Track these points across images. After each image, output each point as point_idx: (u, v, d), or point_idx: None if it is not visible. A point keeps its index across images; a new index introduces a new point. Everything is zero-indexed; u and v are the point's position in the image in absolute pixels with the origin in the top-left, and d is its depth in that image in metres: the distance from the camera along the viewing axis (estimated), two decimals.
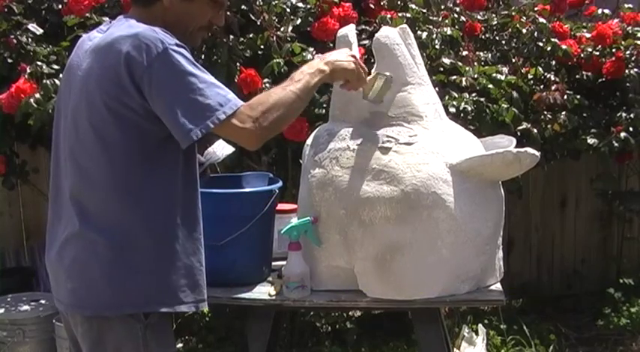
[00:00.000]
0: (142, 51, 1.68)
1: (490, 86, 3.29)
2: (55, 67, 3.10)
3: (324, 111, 2.94)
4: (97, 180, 1.76)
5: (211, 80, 1.73)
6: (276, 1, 3.19)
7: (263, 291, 2.32)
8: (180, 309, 1.86)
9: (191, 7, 1.83)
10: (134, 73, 1.68)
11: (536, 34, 3.59)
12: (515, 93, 3.32)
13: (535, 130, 3.36)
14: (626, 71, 3.64)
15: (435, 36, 3.30)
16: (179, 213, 1.81)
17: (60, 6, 3.29)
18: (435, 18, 3.43)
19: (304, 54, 3.05)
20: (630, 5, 3.98)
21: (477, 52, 3.49)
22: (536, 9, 3.68)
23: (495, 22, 3.71)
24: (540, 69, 3.55)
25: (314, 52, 3.06)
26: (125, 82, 1.68)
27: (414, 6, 3.46)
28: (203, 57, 3.12)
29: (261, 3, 3.17)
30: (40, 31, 3.20)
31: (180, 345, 3.70)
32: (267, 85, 3.01)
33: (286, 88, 1.80)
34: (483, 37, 3.69)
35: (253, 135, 1.73)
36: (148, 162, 1.75)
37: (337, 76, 1.98)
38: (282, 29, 3.11)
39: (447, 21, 3.43)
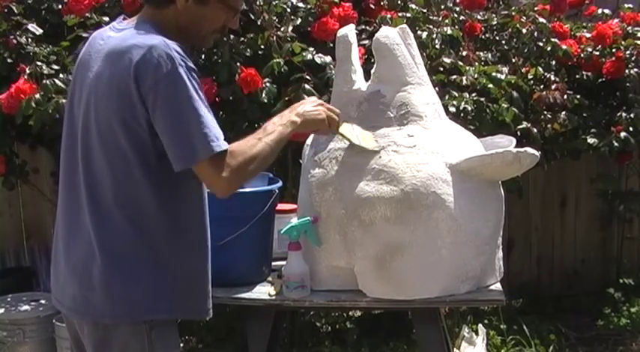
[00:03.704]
0: (152, 66, 1.66)
1: (490, 86, 3.29)
2: (55, 67, 3.10)
3: None
4: (99, 184, 1.76)
5: (209, 110, 1.72)
6: (277, 1, 3.19)
7: (263, 291, 2.32)
8: (181, 317, 1.86)
9: (205, 11, 1.81)
10: (141, 86, 1.67)
11: (536, 34, 3.59)
12: (515, 93, 3.32)
13: (535, 130, 3.36)
14: (626, 71, 3.64)
15: (435, 36, 3.30)
16: (182, 223, 1.80)
17: (60, 6, 3.28)
18: (435, 18, 3.43)
19: (304, 54, 3.05)
20: (630, 5, 3.99)
21: (477, 52, 3.49)
22: (536, 9, 3.69)
23: (495, 22, 3.71)
24: (540, 69, 3.55)
25: (314, 52, 3.06)
26: (133, 94, 1.68)
27: (414, 6, 3.46)
28: (204, 56, 3.12)
29: (262, 3, 3.17)
30: (39, 31, 3.20)
31: (180, 345, 3.70)
32: (268, 84, 3.02)
33: (262, 140, 1.79)
34: (483, 37, 3.69)
35: (227, 185, 1.73)
36: (149, 173, 1.74)
37: (308, 127, 1.98)
38: (282, 29, 3.11)
39: (447, 21, 3.43)
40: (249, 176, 1.82)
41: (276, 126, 1.84)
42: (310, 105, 1.95)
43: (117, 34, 1.79)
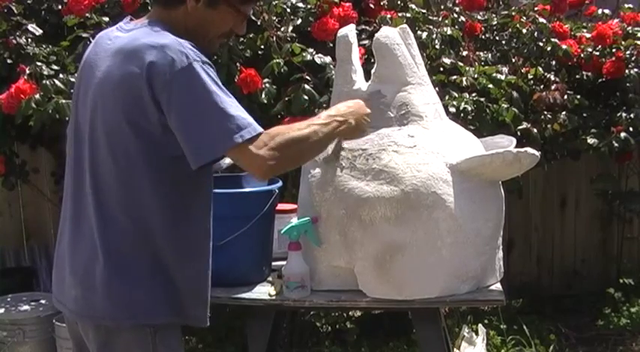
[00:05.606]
0: (166, 64, 1.64)
1: (490, 86, 3.30)
2: (55, 67, 3.10)
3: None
4: (105, 186, 1.74)
5: (232, 102, 1.69)
6: (277, 1, 3.19)
7: (263, 291, 2.32)
8: (183, 322, 1.85)
9: (214, 15, 1.79)
10: (155, 86, 1.64)
11: (536, 34, 3.60)
12: (515, 93, 3.33)
13: (535, 130, 3.36)
14: (626, 71, 3.65)
15: (435, 36, 3.30)
16: (186, 229, 1.78)
17: (60, 6, 3.28)
18: (435, 18, 3.43)
19: (304, 54, 3.05)
20: (630, 5, 3.99)
21: (477, 52, 3.49)
22: (536, 9, 3.69)
23: (495, 22, 3.72)
24: (540, 69, 3.55)
25: (314, 52, 3.06)
26: (144, 93, 1.65)
27: (414, 6, 3.46)
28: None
29: (262, 3, 3.17)
30: (39, 31, 3.20)
31: (182, 348, 3.69)
32: (267, 85, 3.02)
33: (311, 126, 1.76)
34: (483, 37, 3.69)
35: (265, 164, 1.68)
36: (156, 176, 1.72)
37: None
38: (282, 29, 3.11)
39: (447, 21, 3.43)
40: (293, 157, 1.76)
41: (332, 119, 1.82)
42: (363, 113, 1.96)
43: (125, 34, 1.77)
